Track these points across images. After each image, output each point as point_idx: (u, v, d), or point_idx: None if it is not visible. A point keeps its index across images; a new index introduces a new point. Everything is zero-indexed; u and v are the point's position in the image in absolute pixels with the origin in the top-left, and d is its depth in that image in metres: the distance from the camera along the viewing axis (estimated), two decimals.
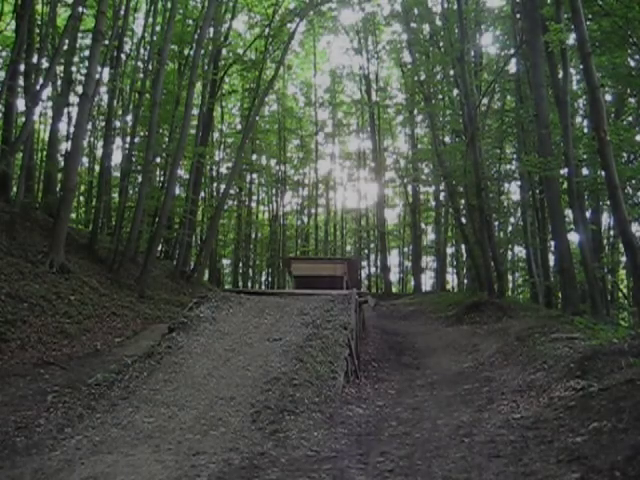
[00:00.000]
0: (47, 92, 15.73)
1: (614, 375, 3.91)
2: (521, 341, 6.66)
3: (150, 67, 16.56)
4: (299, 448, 3.68)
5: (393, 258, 31.23)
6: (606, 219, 16.40)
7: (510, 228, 19.97)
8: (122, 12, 15.70)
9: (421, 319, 12.62)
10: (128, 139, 16.48)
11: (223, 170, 26.41)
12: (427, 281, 28.88)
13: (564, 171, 10.59)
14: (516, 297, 18.42)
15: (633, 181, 11.48)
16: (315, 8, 18.89)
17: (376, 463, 3.16)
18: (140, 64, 18.25)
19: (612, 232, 16.31)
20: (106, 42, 15.04)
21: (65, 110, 16.33)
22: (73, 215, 17.66)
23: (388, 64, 27.48)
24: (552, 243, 12.72)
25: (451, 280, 26.83)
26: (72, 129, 13.93)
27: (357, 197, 32.00)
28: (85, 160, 19.96)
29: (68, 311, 8.74)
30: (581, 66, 8.48)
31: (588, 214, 13.69)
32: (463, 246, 19.36)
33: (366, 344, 9.13)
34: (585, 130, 13.07)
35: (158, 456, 3.62)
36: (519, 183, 17.25)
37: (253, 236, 30.51)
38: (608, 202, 11.15)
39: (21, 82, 13.20)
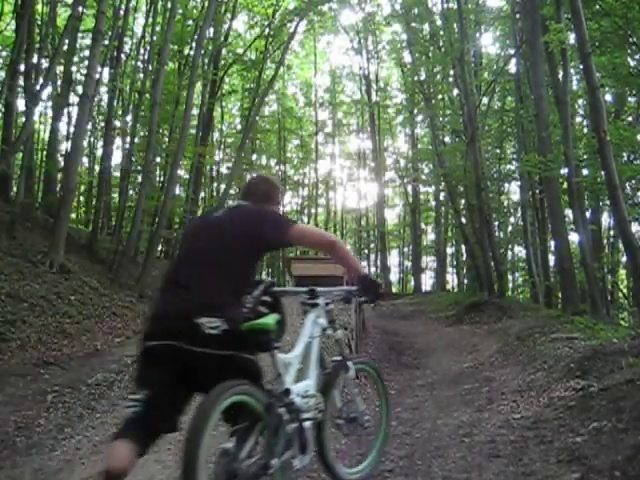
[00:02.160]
0: (47, 92, 15.73)
1: (614, 375, 3.90)
2: (521, 341, 6.66)
3: (150, 67, 16.56)
4: None
5: (393, 258, 31.28)
6: (606, 219, 16.44)
7: (510, 228, 19.99)
8: (122, 12, 15.70)
9: (421, 319, 12.62)
10: (128, 139, 16.49)
11: (223, 170, 26.44)
12: (427, 281, 28.88)
13: (564, 171, 10.59)
14: (516, 297, 18.42)
15: (633, 181, 11.48)
16: (315, 8, 18.88)
17: None
18: (140, 64, 18.26)
19: (612, 232, 16.33)
20: (106, 42, 15.04)
21: (65, 110, 16.33)
22: (73, 215, 17.65)
23: (388, 64, 27.48)
24: (552, 243, 12.72)
25: (451, 280, 26.85)
26: (72, 129, 13.93)
27: (357, 197, 32.07)
28: (85, 160, 19.97)
29: (68, 311, 8.74)
30: (581, 66, 8.48)
31: (588, 214, 13.69)
32: (463, 246, 19.36)
33: (366, 344, 9.12)
34: (585, 130, 13.07)
35: (158, 456, 3.61)
36: (519, 183, 17.26)
37: None
38: (608, 202, 11.15)
39: (21, 82, 13.20)
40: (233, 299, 2.19)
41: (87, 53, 14.61)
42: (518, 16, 13.66)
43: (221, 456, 1.89)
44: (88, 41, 16.29)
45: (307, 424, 2.32)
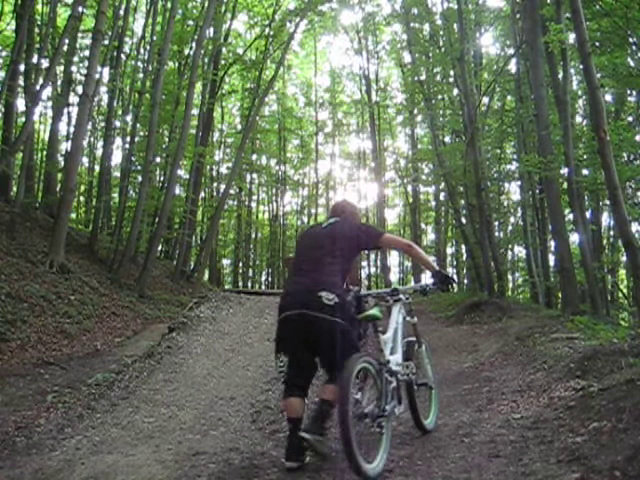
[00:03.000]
0: (47, 92, 15.74)
1: (614, 375, 3.90)
2: (521, 341, 6.64)
3: (150, 67, 16.57)
4: None
5: (393, 258, 31.20)
6: (606, 219, 16.42)
7: (510, 228, 19.99)
8: (122, 12, 15.72)
9: (421, 319, 12.54)
10: (128, 139, 16.49)
11: (223, 170, 26.45)
12: (427, 281, 28.80)
13: (564, 171, 10.58)
14: (516, 297, 18.42)
15: (633, 181, 11.47)
16: (315, 8, 18.89)
17: None
18: (140, 64, 18.27)
19: (612, 232, 16.32)
20: (106, 42, 15.05)
21: (65, 110, 16.33)
22: (73, 215, 17.67)
23: (388, 64, 27.44)
24: (552, 243, 12.72)
25: None
26: (72, 129, 13.94)
27: (357, 197, 32.00)
28: (85, 160, 19.98)
29: (68, 311, 8.76)
30: (581, 66, 8.48)
31: (588, 214, 13.69)
32: (463, 246, 19.36)
33: (365, 343, 9.11)
34: (585, 130, 13.07)
35: (158, 456, 3.62)
36: (519, 183, 17.24)
37: (253, 236, 30.52)
38: (608, 202, 11.14)
39: (21, 82, 13.21)
40: (341, 282, 3.21)
41: (87, 53, 14.63)
42: (518, 16, 13.65)
43: (354, 404, 2.77)
44: (88, 41, 16.32)
45: (401, 384, 3.34)
